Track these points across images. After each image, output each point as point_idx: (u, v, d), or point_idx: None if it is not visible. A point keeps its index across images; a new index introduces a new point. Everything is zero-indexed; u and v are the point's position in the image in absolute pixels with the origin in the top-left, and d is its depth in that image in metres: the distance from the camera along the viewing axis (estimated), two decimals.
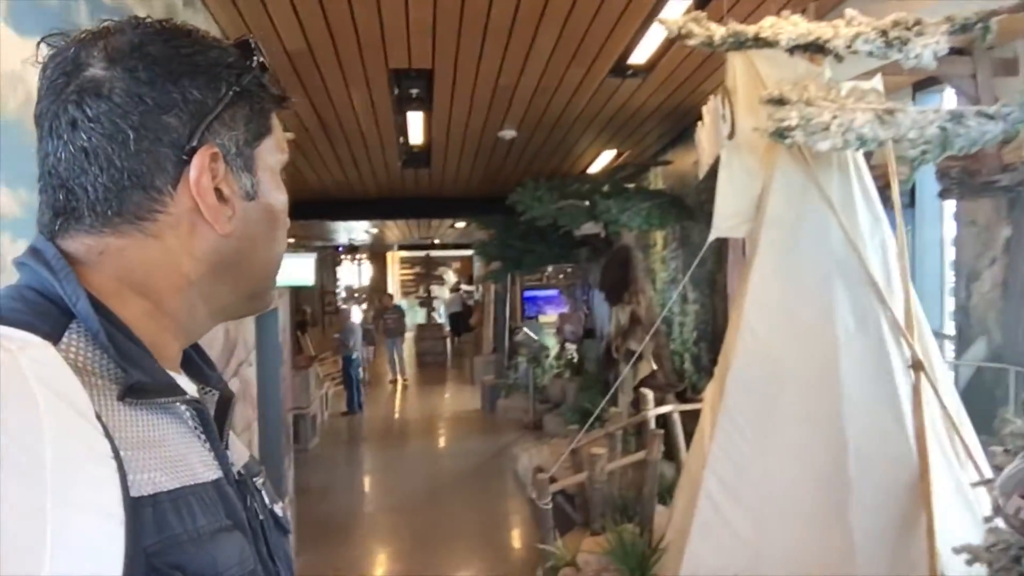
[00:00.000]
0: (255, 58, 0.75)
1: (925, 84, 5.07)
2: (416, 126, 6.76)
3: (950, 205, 5.23)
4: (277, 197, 0.76)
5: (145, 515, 0.57)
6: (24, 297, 0.64)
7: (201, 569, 0.60)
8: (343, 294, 21.23)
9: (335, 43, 4.76)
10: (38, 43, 0.70)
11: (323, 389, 11.28)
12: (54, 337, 0.61)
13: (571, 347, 11.20)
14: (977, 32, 2.73)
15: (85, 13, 2.24)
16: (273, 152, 0.76)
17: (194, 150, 0.69)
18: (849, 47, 2.75)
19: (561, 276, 13.77)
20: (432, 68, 5.27)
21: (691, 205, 7.41)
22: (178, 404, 0.68)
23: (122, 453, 0.56)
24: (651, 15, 4.38)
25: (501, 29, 4.58)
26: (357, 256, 22.89)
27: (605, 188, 7.47)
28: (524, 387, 10.63)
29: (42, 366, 0.55)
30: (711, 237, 4.05)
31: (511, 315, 13.57)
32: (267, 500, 0.79)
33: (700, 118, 4.38)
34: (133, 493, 0.56)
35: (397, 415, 12.62)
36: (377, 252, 23.42)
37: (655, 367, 6.56)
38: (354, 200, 11.14)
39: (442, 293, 22.82)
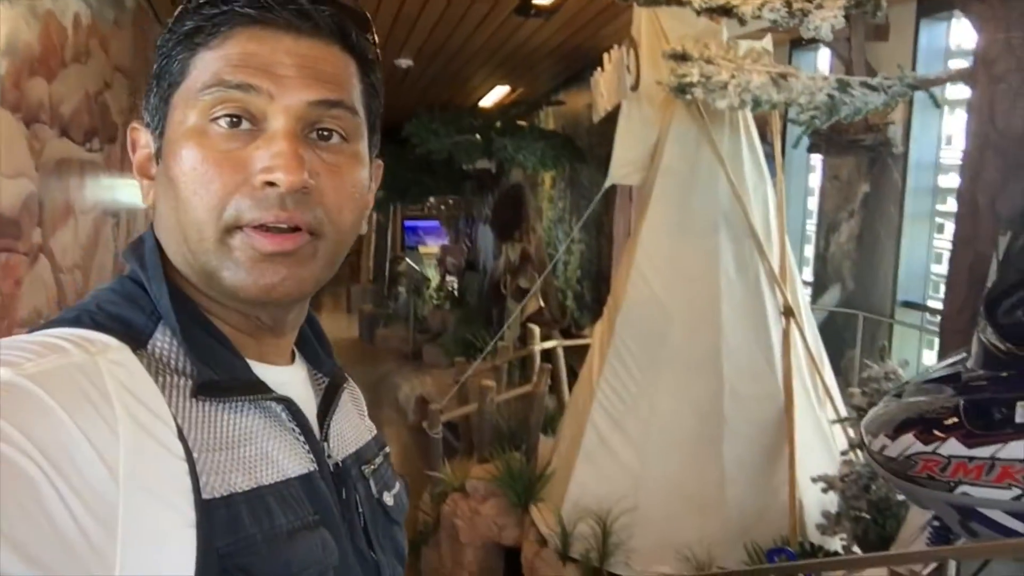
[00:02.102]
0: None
1: (801, 41, 5.37)
2: None
3: (816, 159, 5.61)
4: (181, 153, 0.64)
5: (218, 516, 0.57)
6: (124, 289, 0.66)
7: (271, 572, 0.59)
8: None
9: None
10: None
11: None
12: (147, 333, 0.63)
13: (452, 279, 11.27)
14: (869, 7, 2.94)
15: None
16: (186, 99, 0.64)
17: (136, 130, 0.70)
18: (756, 14, 2.90)
19: (443, 207, 13.71)
20: None
21: (582, 147, 7.56)
22: (265, 400, 0.66)
23: (195, 454, 0.57)
24: None
25: None
26: None
27: (498, 124, 7.50)
28: (403, 317, 10.63)
29: (119, 368, 0.56)
30: (607, 183, 4.19)
31: (392, 245, 13.48)
32: (374, 489, 0.76)
33: (597, 62, 4.45)
34: (205, 495, 0.57)
35: None
36: None
37: (542, 304, 6.78)
38: None
39: None
